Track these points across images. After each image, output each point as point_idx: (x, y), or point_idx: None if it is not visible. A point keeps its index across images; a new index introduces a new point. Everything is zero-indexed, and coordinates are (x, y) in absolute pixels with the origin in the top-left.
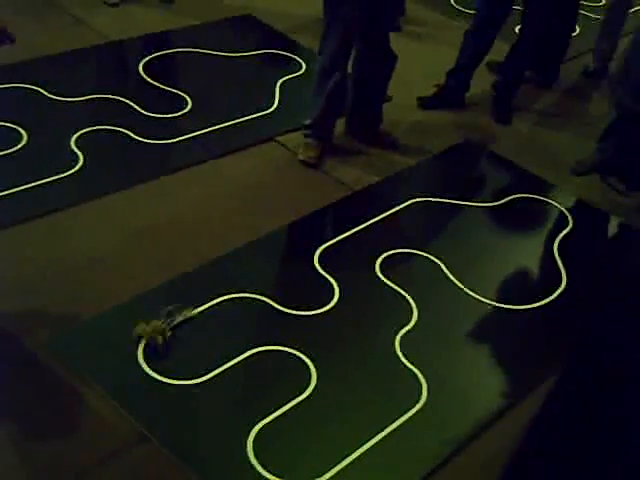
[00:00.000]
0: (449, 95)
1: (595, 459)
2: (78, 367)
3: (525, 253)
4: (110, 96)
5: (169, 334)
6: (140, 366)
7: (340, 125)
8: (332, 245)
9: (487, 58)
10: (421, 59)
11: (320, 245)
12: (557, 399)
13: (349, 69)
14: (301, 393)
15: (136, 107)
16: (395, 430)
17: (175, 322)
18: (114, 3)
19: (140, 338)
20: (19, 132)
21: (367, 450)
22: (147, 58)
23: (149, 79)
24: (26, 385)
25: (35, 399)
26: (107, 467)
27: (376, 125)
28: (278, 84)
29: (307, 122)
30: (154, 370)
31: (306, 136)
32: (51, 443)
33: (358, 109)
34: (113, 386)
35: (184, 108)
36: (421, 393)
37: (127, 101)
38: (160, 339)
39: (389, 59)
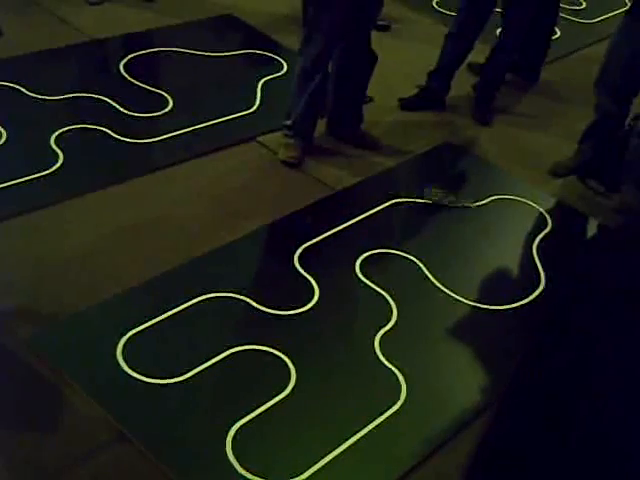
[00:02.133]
0: (430, 96)
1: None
2: (57, 365)
3: (504, 254)
4: (91, 95)
5: None
6: (119, 364)
7: (321, 125)
8: (312, 245)
9: (468, 59)
10: (402, 60)
11: (300, 245)
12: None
13: (329, 69)
14: (280, 392)
15: (117, 106)
16: (374, 429)
17: None
18: (95, 2)
19: None
20: None
21: (346, 449)
22: (128, 57)
23: (130, 78)
24: (4, 383)
25: (13, 397)
26: (85, 465)
27: (357, 125)
28: (260, 84)
29: (287, 122)
30: (133, 369)
31: (286, 136)
32: (28, 441)
33: (338, 109)
34: (92, 384)
35: (165, 107)
36: (400, 392)
37: (108, 100)
38: None
39: (370, 59)
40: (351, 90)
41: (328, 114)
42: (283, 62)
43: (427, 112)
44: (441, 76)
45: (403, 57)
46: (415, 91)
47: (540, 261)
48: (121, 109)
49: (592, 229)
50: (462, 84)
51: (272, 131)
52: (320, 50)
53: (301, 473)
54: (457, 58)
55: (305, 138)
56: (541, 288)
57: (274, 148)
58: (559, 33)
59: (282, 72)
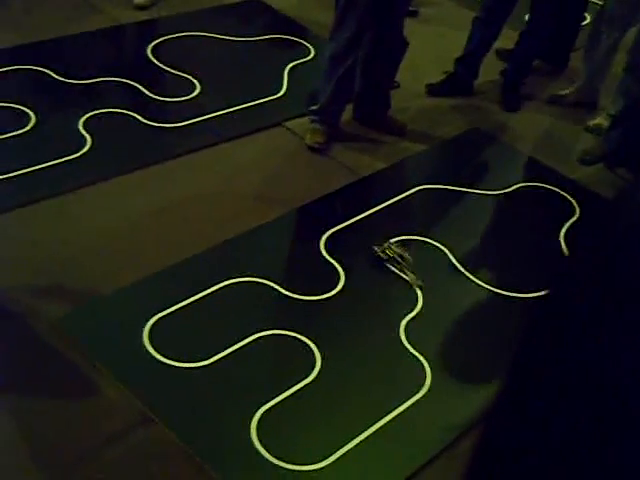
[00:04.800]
0: (458, 82)
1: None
2: (84, 348)
3: (531, 242)
4: (119, 79)
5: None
6: (146, 348)
7: (348, 111)
8: (338, 231)
9: (496, 45)
10: (430, 46)
11: (326, 231)
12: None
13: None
14: (305, 378)
15: (144, 90)
16: (398, 415)
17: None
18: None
19: None
20: (27, 114)
21: (370, 435)
22: (156, 41)
23: (158, 62)
24: (31, 365)
25: (40, 379)
26: (110, 448)
27: (384, 111)
28: (287, 69)
29: (314, 107)
30: (160, 352)
31: (313, 121)
32: (55, 423)
33: (366, 94)
34: (119, 367)
35: (192, 92)
36: (425, 379)
37: (136, 84)
38: None
39: (401, 45)
40: (380, 76)
41: (355, 99)
42: (310, 47)
43: (454, 98)
44: (469, 62)
45: (431, 43)
46: (443, 77)
47: (567, 249)
48: (149, 93)
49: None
50: (490, 70)
51: (299, 116)
52: (352, 35)
53: (325, 458)
54: (484, 44)
55: (332, 123)
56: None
57: (301, 133)
58: (588, 19)
59: (309, 57)
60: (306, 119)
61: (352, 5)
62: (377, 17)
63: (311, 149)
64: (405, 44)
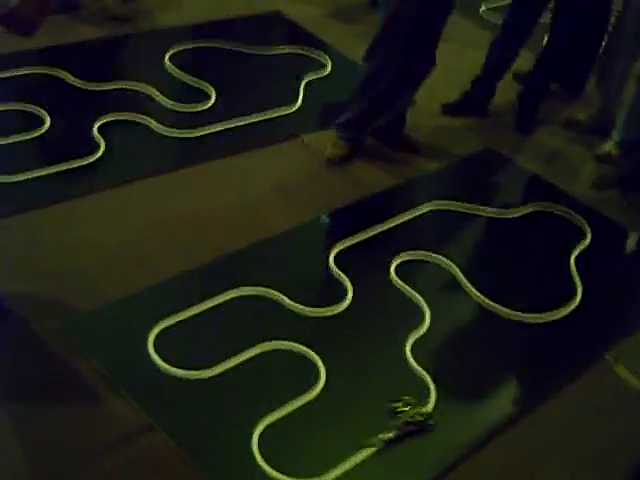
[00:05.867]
0: (473, 102)
1: None
2: (88, 355)
3: (541, 264)
4: (135, 86)
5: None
6: (150, 356)
7: None
8: (349, 246)
9: (514, 68)
10: (447, 65)
11: (336, 245)
12: None
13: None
14: (309, 392)
15: (160, 98)
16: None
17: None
18: None
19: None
20: (41, 117)
21: (373, 452)
22: (174, 50)
23: (175, 70)
24: (33, 371)
25: (42, 385)
26: (111, 456)
27: (400, 128)
28: (303, 83)
29: (341, 120)
30: (164, 360)
31: (339, 135)
32: (57, 429)
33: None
34: (122, 375)
35: (208, 102)
36: (429, 398)
37: (152, 91)
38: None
39: (431, 65)
40: (403, 92)
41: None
42: (328, 61)
43: (469, 118)
44: (485, 83)
45: (448, 62)
46: (458, 96)
47: (578, 274)
48: (164, 101)
49: (632, 244)
50: (506, 92)
51: (313, 131)
52: (397, 50)
53: (327, 473)
54: (502, 65)
55: (358, 138)
56: (577, 302)
57: (315, 147)
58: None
59: (326, 72)
60: (321, 133)
61: (399, 20)
62: (424, 33)
63: (329, 160)
64: (433, 64)
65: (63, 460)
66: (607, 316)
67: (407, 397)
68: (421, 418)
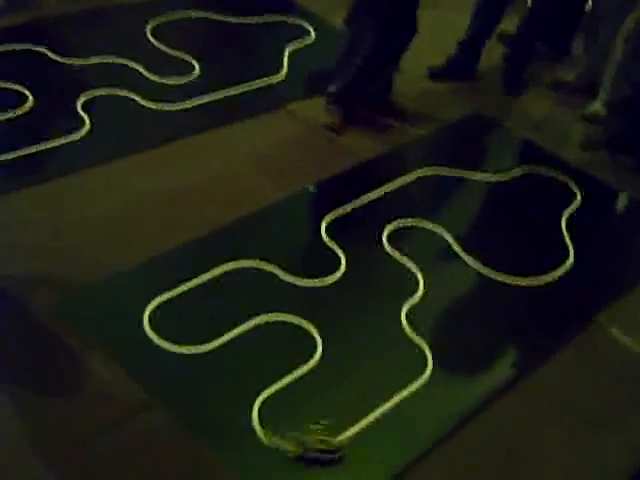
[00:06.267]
0: (459, 66)
1: None
2: (84, 331)
3: (532, 227)
4: (117, 59)
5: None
6: (146, 332)
7: None
8: (339, 215)
9: (499, 29)
10: (432, 29)
11: (327, 214)
12: None
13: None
14: (306, 363)
15: (143, 71)
16: (400, 402)
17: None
18: None
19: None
20: (25, 94)
21: (372, 421)
22: (155, 22)
23: (157, 43)
24: (30, 349)
25: (38, 363)
26: (111, 433)
27: (386, 94)
28: (287, 51)
29: (332, 89)
30: (160, 336)
31: (329, 102)
32: (54, 408)
33: (370, 78)
34: (119, 352)
35: (191, 74)
36: (426, 365)
37: (134, 65)
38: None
39: (412, 31)
40: (387, 59)
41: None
42: (311, 29)
43: (456, 82)
44: (471, 46)
45: (433, 26)
46: (444, 61)
47: (569, 235)
48: (148, 74)
49: (622, 203)
50: (492, 54)
51: (300, 99)
52: (380, 18)
53: None
54: (487, 27)
55: (348, 106)
56: (570, 263)
57: (302, 117)
58: (590, 4)
59: (310, 40)
60: (306, 102)
61: None
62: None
63: (326, 128)
64: (415, 31)
65: (64, 439)
66: (600, 277)
67: (328, 423)
68: (325, 447)
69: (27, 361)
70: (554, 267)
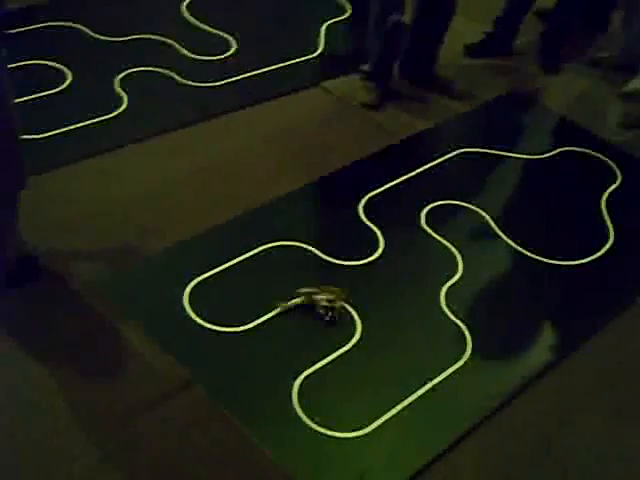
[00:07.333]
0: (497, 43)
1: None
2: (124, 310)
3: (572, 208)
4: (153, 36)
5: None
6: (186, 312)
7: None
8: (377, 194)
9: (536, 5)
10: (469, 4)
11: (365, 194)
12: None
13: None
14: (345, 344)
15: (180, 48)
16: (439, 383)
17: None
18: None
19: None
20: (63, 72)
21: (411, 402)
22: None
23: (193, 20)
24: (72, 327)
25: (81, 342)
26: (151, 412)
27: (431, 67)
28: (323, 28)
29: (365, 67)
30: (200, 316)
31: (364, 80)
32: (95, 388)
33: (415, 50)
34: (159, 331)
35: (228, 50)
36: (466, 347)
37: (171, 42)
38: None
39: (453, 4)
40: (432, 32)
41: (402, 56)
42: (346, 5)
43: (493, 59)
44: (508, 22)
45: (470, 2)
46: (482, 37)
47: (609, 216)
48: (184, 51)
49: None
50: (530, 31)
51: (336, 76)
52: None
53: (366, 426)
54: (524, 3)
55: (384, 82)
56: (610, 244)
57: (339, 94)
58: None
59: (345, 15)
60: (344, 79)
61: None
62: None
63: (365, 106)
64: (456, 4)
65: (103, 418)
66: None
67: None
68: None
69: (69, 339)
70: (594, 248)
